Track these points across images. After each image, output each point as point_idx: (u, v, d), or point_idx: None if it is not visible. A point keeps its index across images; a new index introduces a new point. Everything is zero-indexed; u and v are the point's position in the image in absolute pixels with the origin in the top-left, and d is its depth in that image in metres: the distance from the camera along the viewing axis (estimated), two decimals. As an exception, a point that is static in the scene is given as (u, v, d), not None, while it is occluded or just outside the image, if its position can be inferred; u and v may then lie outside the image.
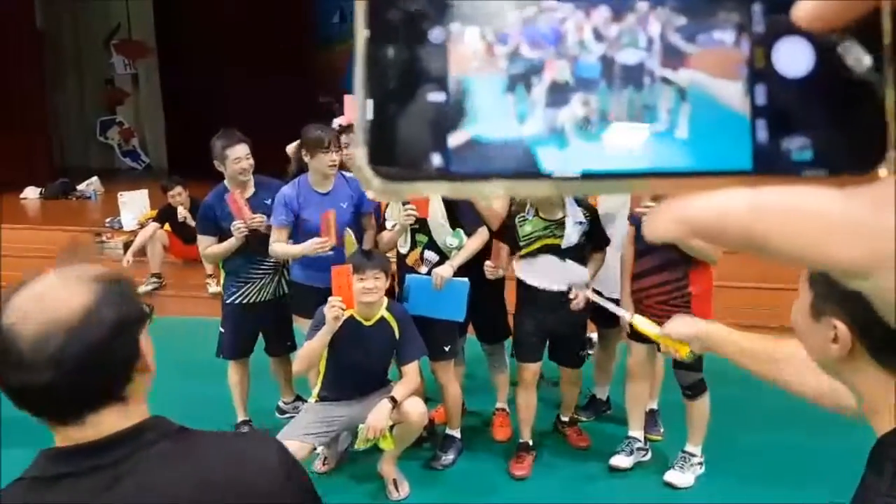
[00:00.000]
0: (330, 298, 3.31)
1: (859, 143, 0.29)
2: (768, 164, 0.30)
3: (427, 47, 0.29)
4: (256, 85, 9.60)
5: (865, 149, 0.29)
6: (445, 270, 3.63)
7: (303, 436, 3.38)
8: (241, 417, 4.09)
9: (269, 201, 3.85)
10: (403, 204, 3.63)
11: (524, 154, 0.30)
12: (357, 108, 0.29)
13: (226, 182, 3.84)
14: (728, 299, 4.62)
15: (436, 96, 0.29)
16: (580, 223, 3.62)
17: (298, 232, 3.76)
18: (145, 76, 12.50)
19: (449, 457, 3.88)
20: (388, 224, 3.70)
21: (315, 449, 3.50)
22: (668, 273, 3.45)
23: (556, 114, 0.30)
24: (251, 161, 3.81)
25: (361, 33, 0.29)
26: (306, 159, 3.75)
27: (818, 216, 0.28)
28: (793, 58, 0.30)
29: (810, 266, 0.29)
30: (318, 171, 3.73)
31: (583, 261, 3.66)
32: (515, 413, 4.07)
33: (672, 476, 3.59)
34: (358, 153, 0.29)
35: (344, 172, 3.82)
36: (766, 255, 0.29)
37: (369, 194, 0.30)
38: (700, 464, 3.62)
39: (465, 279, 3.69)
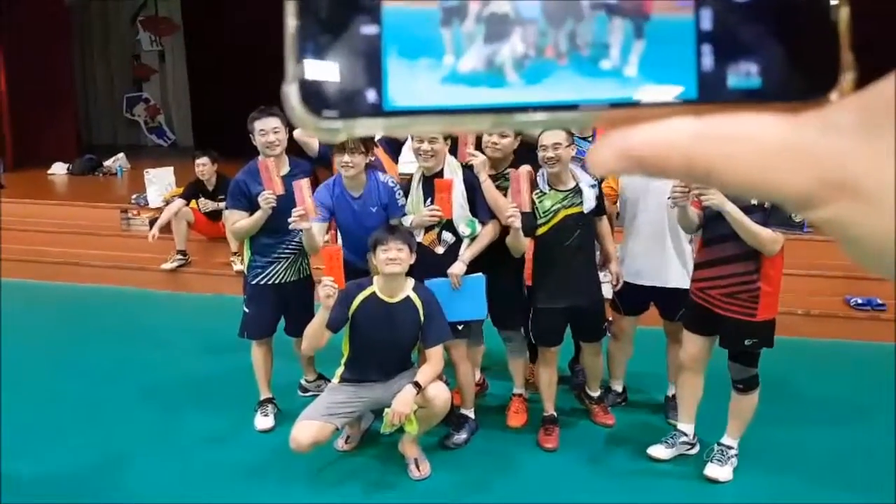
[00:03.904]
0: (322, 278, 3.33)
1: (811, 67, 0.28)
2: (714, 92, 0.29)
3: None
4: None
5: (817, 73, 0.28)
6: (458, 268, 3.62)
7: (326, 416, 3.40)
8: (264, 395, 4.12)
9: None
10: (426, 202, 3.61)
11: (461, 89, 0.29)
12: (287, 38, 0.28)
13: (260, 158, 3.83)
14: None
15: (369, 29, 0.28)
16: (593, 186, 3.60)
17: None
18: (171, 53, 12.55)
19: (462, 436, 3.88)
20: (406, 221, 3.67)
21: (338, 429, 3.52)
22: (737, 265, 3.26)
23: (495, 48, 0.29)
24: (280, 136, 3.71)
25: None
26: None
27: (763, 144, 0.27)
28: None
29: (756, 196, 0.29)
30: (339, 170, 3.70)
31: (591, 227, 3.69)
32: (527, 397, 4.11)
33: (712, 471, 3.50)
34: (290, 90, 0.28)
35: (379, 174, 3.80)
36: (712, 185, 0.28)
37: (297, 133, 0.29)
38: (736, 456, 3.54)
39: (480, 274, 3.68)
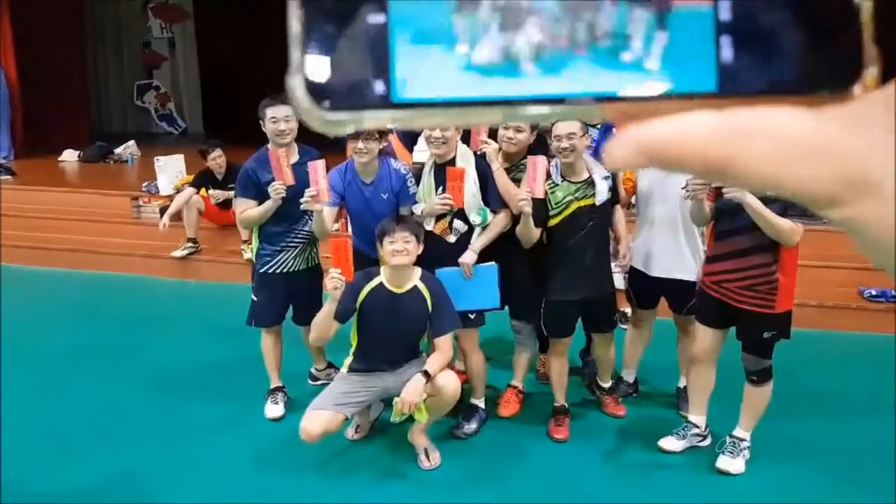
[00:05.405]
0: (330, 270, 3.31)
1: (833, 60, 0.27)
2: (734, 85, 0.27)
3: None
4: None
5: (839, 66, 0.27)
6: (469, 257, 3.60)
7: (335, 406, 3.39)
8: (274, 384, 4.12)
9: None
10: (437, 190, 3.58)
11: (471, 82, 0.27)
12: (292, 28, 0.27)
13: (269, 146, 3.81)
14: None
15: (376, 18, 0.27)
16: (606, 178, 3.57)
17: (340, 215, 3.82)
18: (182, 40, 12.55)
19: (472, 426, 3.87)
20: (417, 209, 3.64)
21: (347, 418, 3.51)
22: (755, 257, 3.21)
23: (507, 39, 0.27)
24: (291, 125, 3.70)
25: None
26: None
27: (783, 139, 0.26)
28: None
29: (775, 193, 0.27)
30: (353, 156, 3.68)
31: (608, 217, 3.67)
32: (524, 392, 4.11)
33: (724, 463, 3.48)
34: (295, 82, 0.27)
35: (392, 161, 3.77)
36: (730, 182, 0.27)
37: (313, 125, 0.28)
38: (748, 448, 3.51)
39: (493, 263, 3.65)
